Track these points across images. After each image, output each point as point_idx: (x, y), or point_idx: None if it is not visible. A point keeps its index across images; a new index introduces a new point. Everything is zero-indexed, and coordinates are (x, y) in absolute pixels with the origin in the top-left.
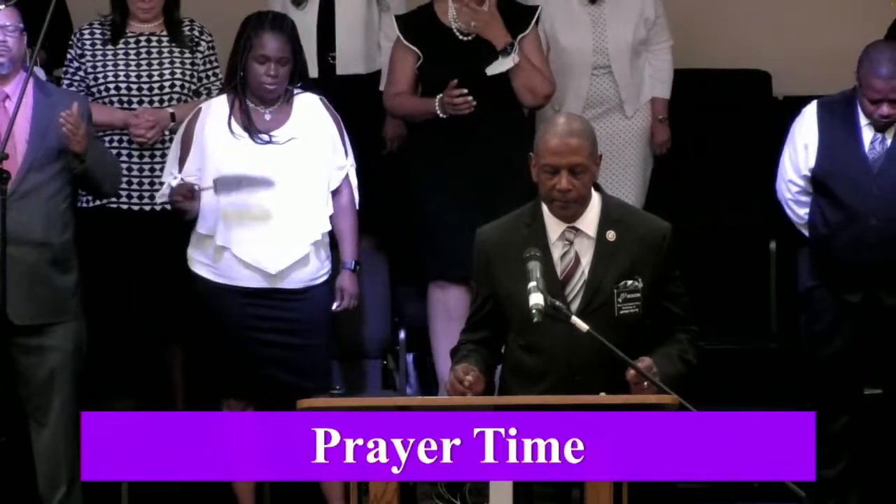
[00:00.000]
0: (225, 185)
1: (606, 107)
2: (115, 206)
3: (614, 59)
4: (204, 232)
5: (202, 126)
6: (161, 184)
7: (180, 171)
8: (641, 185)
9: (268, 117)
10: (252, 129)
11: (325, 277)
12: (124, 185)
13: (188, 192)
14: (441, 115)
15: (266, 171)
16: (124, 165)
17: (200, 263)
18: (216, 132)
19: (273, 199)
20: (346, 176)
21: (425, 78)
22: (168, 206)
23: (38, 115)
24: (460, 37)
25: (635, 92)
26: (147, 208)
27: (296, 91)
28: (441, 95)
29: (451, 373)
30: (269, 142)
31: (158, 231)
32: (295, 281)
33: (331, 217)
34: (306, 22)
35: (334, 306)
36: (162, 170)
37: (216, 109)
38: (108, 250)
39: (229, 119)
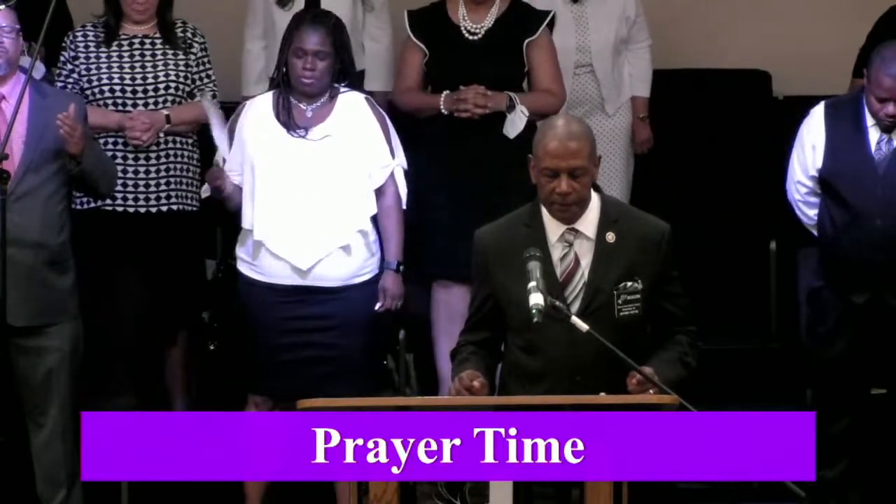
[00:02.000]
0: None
1: (589, 106)
2: (110, 208)
3: (596, 57)
4: (245, 226)
5: (243, 121)
6: (167, 184)
7: (223, 166)
8: (625, 184)
9: (309, 114)
10: (291, 125)
11: (367, 276)
12: (119, 188)
13: (213, 174)
14: (444, 111)
15: (300, 167)
16: (119, 168)
17: (243, 261)
18: (255, 127)
19: (306, 195)
20: (392, 175)
21: (431, 75)
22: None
23: (35, 116)
24: (468, 36)
25: (616, 91)
26: (142, 210)
27: (342, 89)
28: (447, 92)
29: (457, 380)
30: (304, 136)
31: (154, 233)
32: (331, 279)
33: (375, 216)
34: None
35: (376, 306)
36: (156, 172)
37: (259, 105)
38: (104, 252)
39: (269, 114)
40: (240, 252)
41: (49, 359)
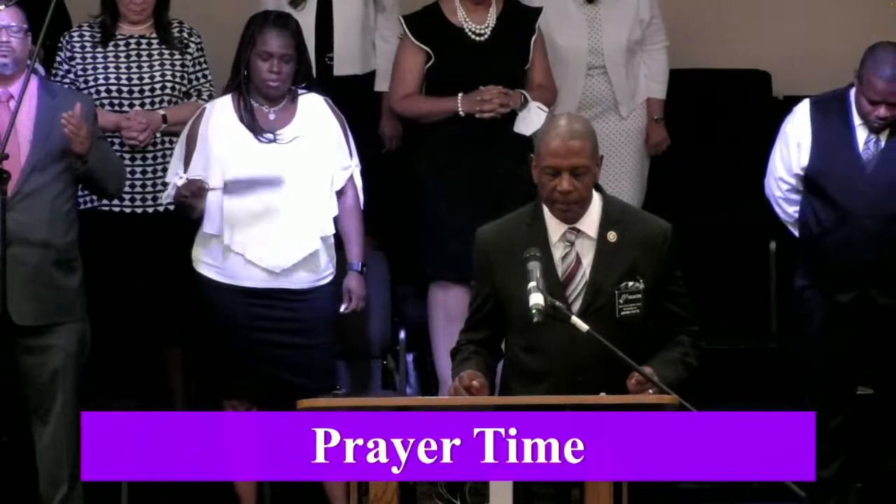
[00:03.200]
0: (236, 187)
1: (602, 107)
2: (107, 208)
3: (609, 59)
4: (210, 231)
5: (206, 125)
6: (164, 184)
7: (185, 171)
8: (639, 186)
9: (272, 116)
10: (256, 129)
11: (329, 278)
12: None
13: (198, 190)
14: (462, 113)
15: (272, 170)
16: None
17: (205, 264)
18: (220, 131)
19: (278, 198)
20: (351, 177)
21: (435, 78)
22: (171, 207)
23: (42, 115)
24: (473, 36)
25: (630, 92)
26: (139, 210)
27: (300, 91)
28: (463, 94)
29: (457, 379)
30: (274, 140)
31: (151, 233)
32: (300, 281)
33: (335, 218)
34: (304, 23)
35: (342, 308)
36: (153, 172)
37: (220, 109)
38: (101, 252)
39: (234, 118)
40: (202, 255)
41: (55, 358)
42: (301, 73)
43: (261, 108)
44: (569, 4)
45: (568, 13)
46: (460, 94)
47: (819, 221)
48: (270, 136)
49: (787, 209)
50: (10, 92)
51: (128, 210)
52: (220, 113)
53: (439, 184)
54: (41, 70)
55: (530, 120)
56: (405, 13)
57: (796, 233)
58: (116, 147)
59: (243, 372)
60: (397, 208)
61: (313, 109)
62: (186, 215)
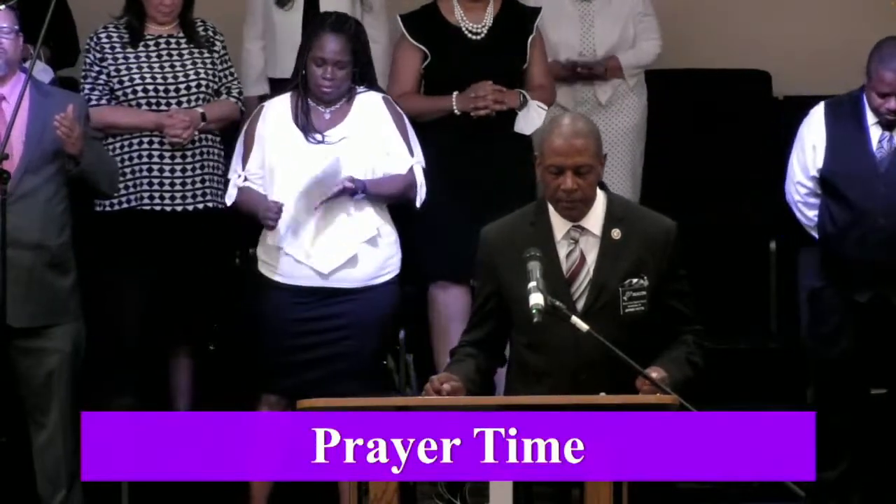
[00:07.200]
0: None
1: (592, 104)
2: (148, 207)
3: (601, 56)
4: (271, 243)
5: (263, 124)
6: (225, 183)
7: (244, 169)
8: (633, 182)
9: (327, 116)
10: (308, 129)
11: (386, 277)
12: (155, 187)
13: (277, 213)
14: (457, 111)
15: (319, 170)
16: (154, 167)
17: (263, 263)
18: (273, 131)
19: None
20: (412, 169)
21: (432, 77)
22: (226, 205)
23: (35, 116)
24: (470, 36)
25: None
26: (179, 209)
27: (359, 90)
28: (458, 92)
29: (429, 381)
30: (322, 142)
31: (189, 232)
32: (348, 281)
33: (394, 216)
34: (291, 23)
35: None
36: (192, 170)
37: (277, 107)
38: (137, 251)
39: (289, 117)
40: (260, 254)
41: (50, 360)
42: (360, 74)
43: (317, 107)
44: (563, 1)
45: (561, 9)
46: (455, 93)
47: (835, 222)
48: (319, 136)
49: (807, 213)
50: (3, 93)
51: (168, 209)
52: (276, 112)
53: (439, 184)
54: (50, 70)
55: (530, 119)
56: (401, 13)
57: (817, 237)
58: (156, 146)
59: (282, 368)
60: (397, 208)
61: (368, 108)
62: (248, 217)
